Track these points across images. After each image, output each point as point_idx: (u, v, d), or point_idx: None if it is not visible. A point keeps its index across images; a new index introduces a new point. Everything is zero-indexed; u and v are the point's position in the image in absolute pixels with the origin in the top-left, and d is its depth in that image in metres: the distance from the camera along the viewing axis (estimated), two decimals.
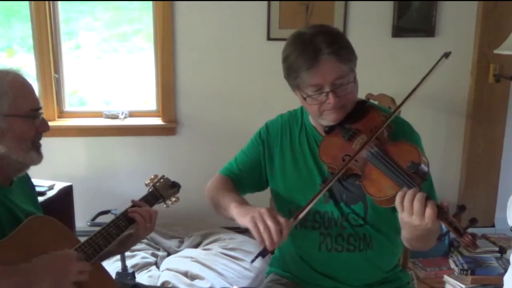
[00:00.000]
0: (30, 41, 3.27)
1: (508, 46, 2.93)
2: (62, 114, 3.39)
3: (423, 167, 1.42)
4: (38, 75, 3.26)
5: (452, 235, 1.33)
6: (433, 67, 1.60)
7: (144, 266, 2.81)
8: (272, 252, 1.47)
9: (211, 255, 2.87)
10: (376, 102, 2.39)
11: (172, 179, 1.88)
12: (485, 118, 3.39)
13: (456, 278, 2.91)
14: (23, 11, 3.26)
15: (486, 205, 3.51)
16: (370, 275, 1.70)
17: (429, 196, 1.34)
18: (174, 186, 1.85)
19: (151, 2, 3.24)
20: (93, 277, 1.43)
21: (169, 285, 2.60)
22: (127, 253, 2.76)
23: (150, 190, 1.80)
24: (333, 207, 1.64)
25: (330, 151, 1.59)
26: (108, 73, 3.48)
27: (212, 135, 3.36)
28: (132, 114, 3.40)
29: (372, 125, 1.56)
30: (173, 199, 1.85)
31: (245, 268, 2.80)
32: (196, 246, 3.05)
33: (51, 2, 3.21)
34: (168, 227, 3.15)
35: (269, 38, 3.23)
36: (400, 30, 3.27)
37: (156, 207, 1.77)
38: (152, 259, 2.89)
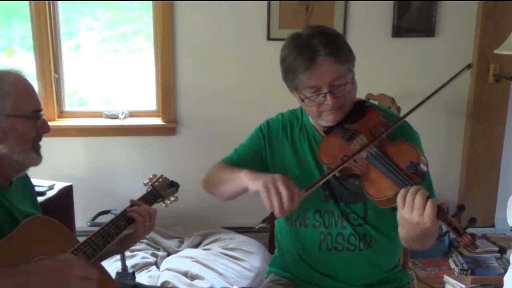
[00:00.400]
0: (30, 41, 3.27)
1: (508, 46, 2.93)
2: (62, 114, 3.39)
3: (422, 167, 1.43)
4: (38, 75, 3.26)
5: (452, 235, 1.33)
6: (453, 77, 1.60)
7: (144, 266, 2.81)
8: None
9: (211, 255, 2.87)
10: (376, 102, 2.39)
11: (172, 179, 1.88)
12: (485, 118, 3.39)
13: (456, 278, 2.91)
14: (23, 11, 3.26)
15: (486, 205, 3.50)
16: (370, 274, 1.70)
17: (430, 195, 1.34)
18: (172, 186, 1.85)
19: (151, 2, 3.24)
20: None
21: (169, 285, 2.60)
22: (127, 253, 2.76)
23: (149, 189, 1.80)
24: (334, 207, 1.64)
25: (330, 151, 1.59)
26: (108, 73, 3.48)
27: (212, 135, 3.36)
28: (132, 114, 3.40)
29: (371, 125, 1.56)
30: (172, 199, 1.85)
31: (245, 268, 2.80)
32: (196, 246, 3.06)
33: (51, 2, 3.21)
34: (168, 227, 3.15)
35: (269, 38, 3.23)
36: (400, 30, 3.27)
37: (155, 207, 1.77)
38: (152, 259, 2.89)
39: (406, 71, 3.32)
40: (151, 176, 1.84)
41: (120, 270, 2.58)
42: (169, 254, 2.98)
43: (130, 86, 3.51)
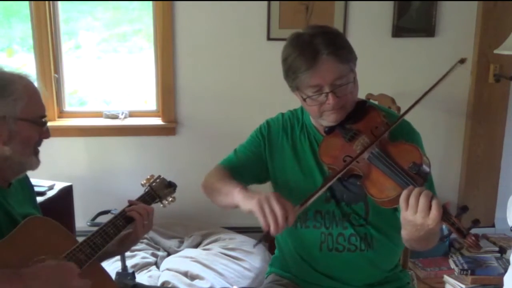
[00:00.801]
0: (30, 41, 3.27)
1: (508, 46, 2.93)
2: (62, 114, 3.38)
3: (425, 167, 1.42)
4: (38, 75, 3.25)
5: (452, 235, 1.33)
6: (447, 72, 1.59)
7: (144, 266, 2.81)
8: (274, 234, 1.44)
9: (211, 255, 2.87)
10: (376, 102, 2.39)
11: (172, 179, 1.88)
12: (485, 118, 3.39)
13: (456, 278, 2.91)
14: (23, 11, 3.26)
15: (486, 205, 3.50)
16: (371, 275, 1.70)
17: (435, 196, 1.34)
18: (170, 186, 1.85)
19: (151, 2, 3.24)
20: (92, 278, 1.43)
21: (169, 285, 2.60)
22: (127, 253, 2.75)
23: (147, 190, 1.80)
24: (334, 207, 1.64)
25: (331, 151, 1.59)
26: (108, 73, 3.47)
27: (212, 135, 3.35)
28: (132, 114, 3.40)
29: (372, 125, 1.56)
30: (170, 199, 1.86)
31: (245, 268, 2.80)
32: (196, 246, 3.05)
33: (51, 2, 3.21)
34: (168, 227, 3.15)
35: (269, 38, 3.23)
36: (400, 30, 3.27)
37: (155, 206, 1.77)
38: (152, 259, 2.89)
39: (406, 71, 3.32)
40: (148, 177, 1.85)
41: (120, 270, 2.58)
42: (169, 254, 2.98)
43: (130, 86, 3.51)
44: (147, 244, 3.01)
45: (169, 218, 3.13)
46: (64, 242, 1.48)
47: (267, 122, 1.79)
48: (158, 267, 2.85)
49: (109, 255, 1.71)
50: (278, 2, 3.17)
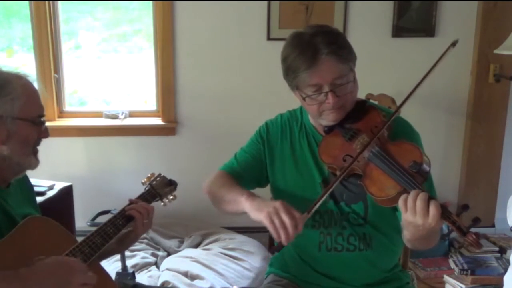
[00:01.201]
0: (30, 41, 3.27)
1: (508, 46, 2.92)
2: (62, 114, 3.39)
3: (425, 166, 1.43)
4: (38, 75, 3.26)
5: (452, 235, 1.34)
6: (441, 56, 1.60)
7: (144, 266, 2.81)
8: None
9: (211, 255, 2.87)
10: (376, 102, 2.39)
11: (172, 179, 1.88)
12: (485, 118, 3.39)
13: (456, 278, 2.91)
14: (23, 11, 3.26)
15: (486, 205, 3.50)
16: (370, 275, 1.70)
17: (432, 196, 1.34)
18: (170, 184, 1.85)
19: (151, 2, 3.24)
20: None
21: (169, 285, 2.60)
22: (127, 253, 2.76)
23: (147, 188, 1.80)
24: (333, 207, 1.64)
25: (331, 151, 1.59)
26: (108, 73, 3.48)
27: (212, 135, 3.36)
28: (132, 114, 3.40)
29: (372, 125, 1.56)
30: (170, 197, 1.85)
31: (245, 268, 2.80)
32: (196, 246, 3.05)
33: (51, 2, 3.21)
34: (168, 227, 3.15)
35: (269, 38, 3.23)
36: (400, 30, 3.27)
37: (155, 206, 1.77)
38: (152, 259, 2.89)
39: (406, 71, 3.31)
40: (149, 175, 1.84)
41: (120, 270, 2.58)
42: (169, 254, 2.98)
43: (130, 86, 3.51)
44: (147, 244, 3.01)
45: (169, 218, 3.13)
46: (63, 242, 1.48)
47: (266, 124, 1.79)
48: (158, 267, 2.85)
49: (108, 254, 1.70)
50: (278, 2, 3.17)
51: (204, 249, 2.97)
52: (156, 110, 3.41)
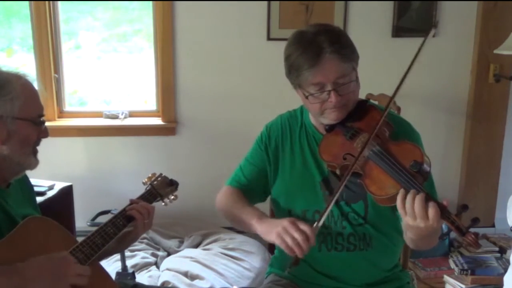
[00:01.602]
0: (30, 41, 3.27)
1: (508, 46, 2.93)
2: (62, 114, 3.39)
3: (426, 166, 1.43)
4: (38, 75, 3.26)
5: (452, 235, 1.34)
6: (423, 42, 1.60)
7: (144, 266, 2.81)
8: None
9: (211, 255, 2.87)
10: (376, 102, 2.39)
11: (173, 179, 1.88)
12: (485, 118, 3.39)
13: (456, 278, 2.91)
14: (23, 11, 3.26)
15: (486, 205, 3.50)
16: (370, 274, 1.70)
17: (429, 196, 1.34)
18: (172, 184, 1.85)
19: (151, 2, 3.24)
20: (92, 277, 1.43)
21: (169, 285, 2.60)
22: (127, 253, 2.76)
23: (148, 188, 1.80)
24: (333, 207, 1.64)
25: (331, 149, 1.60)
26: (108, 73, 3.48)
27: (212, 135, 3.36)
28: (132, 114, 3.40)
29: (373, 124, 1.56)
30: (171, 197, 1.85)
31: (245, 268, 2.80)
32: (196, 246, 3.05)
33: (51, 2, 3.21)
34: (168, 227, 3.15)
35: (269, 38, 3.23)
36: (400, 30, 3.27)
37: (155, 206, 1.77)
38: (152, 259, 2.89)
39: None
40: (150, 175, 1.84)
41: (120, 270, 2.58)
42: (169, 254, 2.98)
43: (130, 86, 3.51)
44: (147, 244, 3.01)
45: (169, 218, 3.12)
46: (63, 242, 1.48)
47: (266, 128, 1.79)
48: (158, 267, 2.85)
49: (108, 254, 1.71)
50: (278, 2, 3.17)
51: (204, 249, 2.97)
52: (156, 110, 3.41)
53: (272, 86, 3.20)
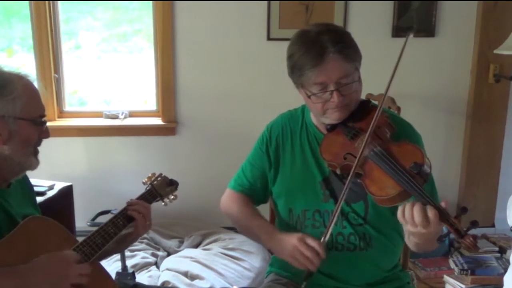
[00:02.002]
0: (30, 41, 3.27)
1: (508, 46, 2.92)
2: (62, 114, 3.39)
3: (426, 168, 1.43)
4: (38, 75, 3.26)
5: (452, 235, 1.34)
6: (404, 44, 1.68)
7: (144, 266, 2.81)
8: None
9: (211, 255, 2.87)
10: (376, 102, 2.39)
11: (173, 178, 1.88)
12: (485, 118, 3.39)
13: (456, 278, 2.91)
14: (23, 11, 3.26)
15: (486, 205, 3.50)
16: (370, 274, 1.70)
17: (427, 200, 1.35)
18: (172, 184, 1.84)
19: (151, 2, 3.24)
20: (92, 277, 1.43)
21: (169, 285, 2.60)
22: (127, 253, 2.76)
23: (148, 188, 1.80)
24: (333, 206, 1.64)
25: (332, 148, 1.60)
26: (108, 73, 3.48)
27: (212, 135, 3.36)
28: (132, 114, 3.40)
29: (375, 125, 1.56)
30: (171, 197, 1.85)
31: (245, 268, 2.80)
32: (196, 246, 3.05)
33: (51, 2, 3.21)
34: (168, 227, 3.15)
35: (269, 38, 3.23)
36: (400, 30, 3.26)
37: (156, 206, 1.77)
38: (152, 259, 2.89)
39: (406, 71, 3.31)
40: (150, 175, 1.84)
41: (120, 270, 2.58)
42: (169, 254, 2.98)
43: (130, 86, 3.51)
44: (147, 244, 3.01)
45: (169, 218, 3.12)
46: (64, 242, 1.48)
47: (268, 129, 1.79)
48: (158, 267, 2.85)
49: (108, 254, 1.71)
50: (278, 2, 3.17)
51: (204, 249, 2.97)
52: (156, 110, 3.41)
53: (272, 86, 3.20)
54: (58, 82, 3.33)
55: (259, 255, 2.92)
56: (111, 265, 2.65)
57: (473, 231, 1.32)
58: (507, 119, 3.44)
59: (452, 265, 3.02)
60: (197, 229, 3.17)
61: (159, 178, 1.83)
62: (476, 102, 3.37)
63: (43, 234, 1.47)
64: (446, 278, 2.95)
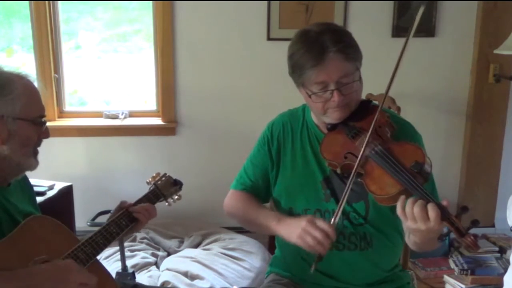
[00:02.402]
0: (30, 41, 3.27)
1: (508, 46, 2.93)
2: (62, 114, 3.39)
3: (427, 167, 1.43)
4: (38, 75, 3.26)
5: (452, 235, 1.34)
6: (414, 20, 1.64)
7: (144, 266, 2.81)
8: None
9: (211, 255, 2.87)
10: (376, 102, 2.38)
11: (178, 178, 1.88)
12: (485, 118, 3.39)
13: (456, 278, 2.91)
14: (23, 11, 3.26)
15: (486, 205, 3.50)
16: (371, 274, 1.70)
17: (428, 198, 1.35)
18: (176, 184, 1.84)
19: (151, 2, 3.24)
20: None
21: (169, 285, 2.60)
22: (127, 253, 2.76)
23: (152, 188, 1.80)
24: (334, 206, 1.64)
25: (333, 148, 1.60)
26: (108, 73, 3.48)
27: (212, 135, 3.36)
28: (132, 114, 3.40)
29: (376, 124, 1.56)
30: (175, 197, 1.85)
31: (245, 268, 2.80)
32: (196, 246, 3.05)
33: (51, 2, 3.21)
34: (168, 227, 3.15)
35: (269, 38, 3.23)
36: (400, 30, 3.26)
37: (157, 205, 1.77)
38: (152, 259, 2.89)
39: (406, 71, 3.31)
40: (154, 175, 1.84)
41: (120, 270, 2.58)
42: (169, 254, 2.98)
43: (130, 86, 3.51)
44: (147, 244, 3.01)
45: (169, 218, 3.12)
46: (65, 241, 1.48)
47: (269, 128, 1.79)
48: (158, 267, 2.85)
49: None
50: (278, 2, 3.17)
51: (204, 249, 2.97)
52: (156, 110, 3.41)
53: (272, 86, 3.21)
54: (58, 82, 3.33)
55: (259, 255, 2.92)
56: (111, 265, 2.65)
57: (473, 231, 1.32)
58: (507, 119, 3.44)
59: (452, 265, 3.03)
60: (197, 229, 3.17)
61: (163, 178, 1.83)
62: (476, 102, 3.38)
63: (45, 233, 1.47)
64: (446, 278, 2.95)
